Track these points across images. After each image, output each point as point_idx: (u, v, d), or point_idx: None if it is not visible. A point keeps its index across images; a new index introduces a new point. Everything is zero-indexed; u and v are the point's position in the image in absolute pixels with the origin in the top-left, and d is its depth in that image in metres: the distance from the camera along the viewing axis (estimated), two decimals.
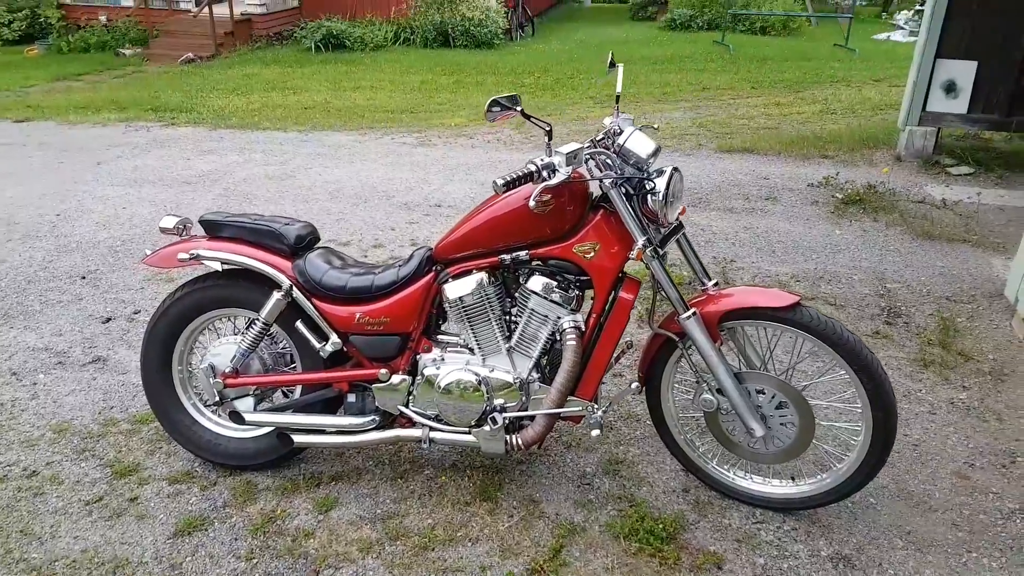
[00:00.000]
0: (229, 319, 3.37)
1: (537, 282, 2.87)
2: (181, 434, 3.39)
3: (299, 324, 3.07)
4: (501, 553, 2.90)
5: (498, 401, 2.97)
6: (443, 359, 3.04)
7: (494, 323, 2.95)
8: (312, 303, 3.05)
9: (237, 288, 3.15)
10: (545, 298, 2.86)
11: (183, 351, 3.33)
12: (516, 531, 3.01)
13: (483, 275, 2.91)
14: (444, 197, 7.19)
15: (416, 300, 3.00)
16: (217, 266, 3.10)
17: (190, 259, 3.04)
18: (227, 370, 3.16)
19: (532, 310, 2.90)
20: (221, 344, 3.23)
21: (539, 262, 2.91)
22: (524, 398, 2.99)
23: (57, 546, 2.98)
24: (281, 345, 3.32)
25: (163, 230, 3.19)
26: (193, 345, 3.37)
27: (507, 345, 2.98)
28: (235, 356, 3.13)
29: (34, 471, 3.43)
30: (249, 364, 3.20)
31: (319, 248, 3.20)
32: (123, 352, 4.49)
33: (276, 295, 3.02)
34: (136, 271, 5.61)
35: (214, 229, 3.19)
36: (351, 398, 3.17)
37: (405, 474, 3.36)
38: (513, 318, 2.99)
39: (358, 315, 3.01)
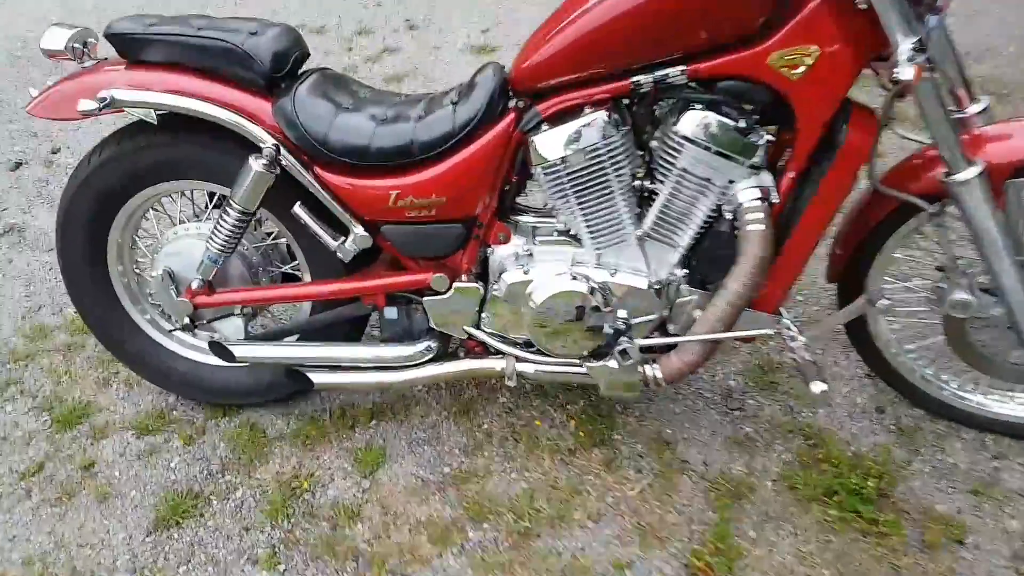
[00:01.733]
0: (183, 194, 2.16)
1: (694, 121, 1.67)
2: (145, 366, 2.32)
3: (298, 210, 1.88)
4: (640, 538, 1.95)
5: (624, 318, 1.87)
6: (531, 255, 1.89)
7: (618, 196, 1.78)
8: (315, 174, 1.85)
9: (188, 148, 1.92)
10: (708, 148, 1.67)
11: (121, 245, 2.16)
12: (652, 497, 2.05)
13: (601, 114, 1.69)
14: None
15: (487, 162, 1.80)
16: (149, 116, 1.85)
17: (100, 108, 1.78)
18: (195, 284, 2.01)
19: (683, 171, 1.71)
20: (178, 236, 2.06)
21: (699, 86, 1.68)
22: (663, 312, 1.89)
23: None
24: (272, 232, 2.15)
25: (49, 54, 1.89)
26: (135, 235, 2.20)
27: (638, 231, 1.83)
28: (203, 262, 1.97)
29: None
30: (226, 270, 2.05)
31: (311, 74, 1.92)
32: (45, 216, 3.29)
33: (254, 166, 1.80)
34: None
35: (133, 49, 1.89)
36: (390, 313, 2.06)
37: (473, 404, 2.34)
38: (647, 186, 1.81)
39: (393, 194, 1.82)
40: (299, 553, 1.99)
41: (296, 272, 2.16)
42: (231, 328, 2.12)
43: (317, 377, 2.08)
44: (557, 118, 1.74)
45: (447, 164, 1.79)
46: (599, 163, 1.73)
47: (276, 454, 2.24)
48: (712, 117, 1.67)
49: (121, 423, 2.37)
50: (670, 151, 1.72)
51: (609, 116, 1.70)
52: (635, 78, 1.68)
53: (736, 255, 1.77)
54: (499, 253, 1.94)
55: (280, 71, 1.84)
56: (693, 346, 1.88)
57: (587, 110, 1.71)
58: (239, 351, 2.06)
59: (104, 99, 1.77)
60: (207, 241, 1.92)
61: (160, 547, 2.02)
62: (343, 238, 1.91)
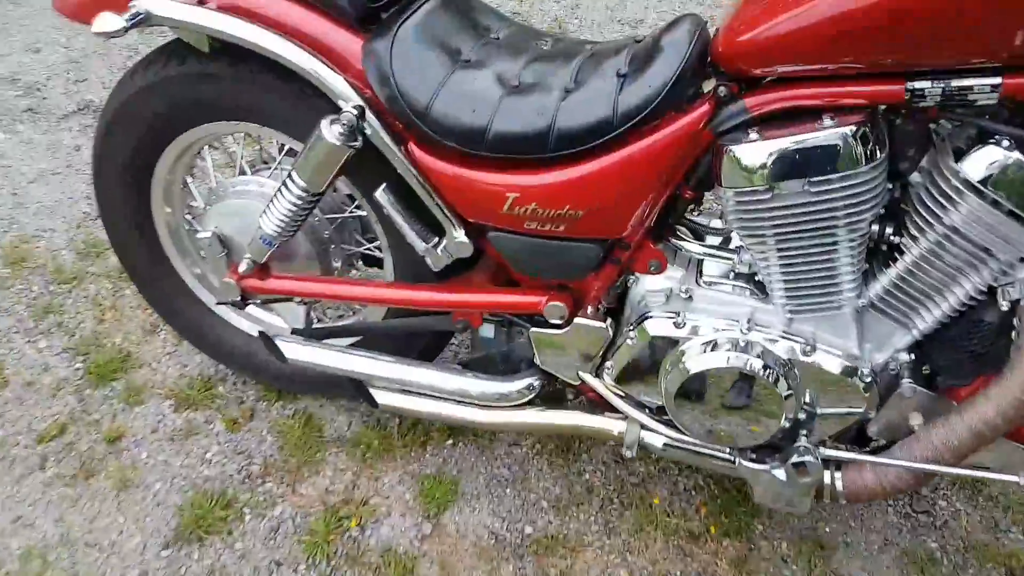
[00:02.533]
0: (249, 135, 1.68)
1: (989, 162, 1.06)
2: (191, 330, 1.92)
3: (382, 196, 1.37)
4: None
5: (810, 412, 1.32)
6: (690, 298, 1.34)
7: (844, 250, 1.20)
8: (408, 153, 1.32)
9: (248, 87, 1.43)
10: (1001, 205, 1.06)
11: (170, 183, 1.72)
12: None
13: (849, 130, 1.10)
14: None
15: (654, 169, 1.23)
16: (199, 42, 1.36)
17: (129, 24, 1.28)
18: (243, 265, 1.55)
19: (953, 230, 1.11)
20: (236, 191, 1.60)
21: (1011, 112, 1.06)
22: (868, 412, 1.32)
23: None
24: (354, 199, 1.65)
25: None
26: (187, 175, 1.75)
27: (860, 299, 1.24)
28: (254, 240, 1.50)
29: None
30: (291, 246, 1.57)
31: (427, 3, 1.36)
32: None
33: (326, 134, 1.29)
34: None
35: None
36: (486, 331, 1.57)
37: (575, 443, 1.85)
38: (888, 236, 1.21)
39: (511, 197, 1.28)
40: None
41: (378, 254, 1.67)
42: (289, 314, 1.67)
43: (383, 398, 1.62)
44: (773, 120, 1.15)
45: (594, 166, 1.23)
46: (830, 202, 1.14)
47: (329, 464, 1.84)
48: (1019, 161, 1.04)
49: (161, 387, 2.00)
50: (939, 197, 1.11)
51: (862, 133, 1.10)
52: (914, 84, 1.06)
53: (1000, 362, 1.18)
54: (644, 286, 1.39)
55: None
56: (900, 468, 1.31)
57: (827, 119, 1.11)
58: (291, 351, 1.61)
59: (137, 13, 1.27)
60: (261, 216, 1.44)
61: (175, 566, 1.67)
62: (436, 240, 1.40)
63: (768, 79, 1.15)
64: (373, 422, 1.90)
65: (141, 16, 1.27)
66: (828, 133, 1.11)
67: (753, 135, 1.14)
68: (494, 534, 1.70)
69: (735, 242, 1.39)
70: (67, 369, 2.05)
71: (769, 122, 1.16)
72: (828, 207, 1.15)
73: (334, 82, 1.28)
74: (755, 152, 1.14)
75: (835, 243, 1.19)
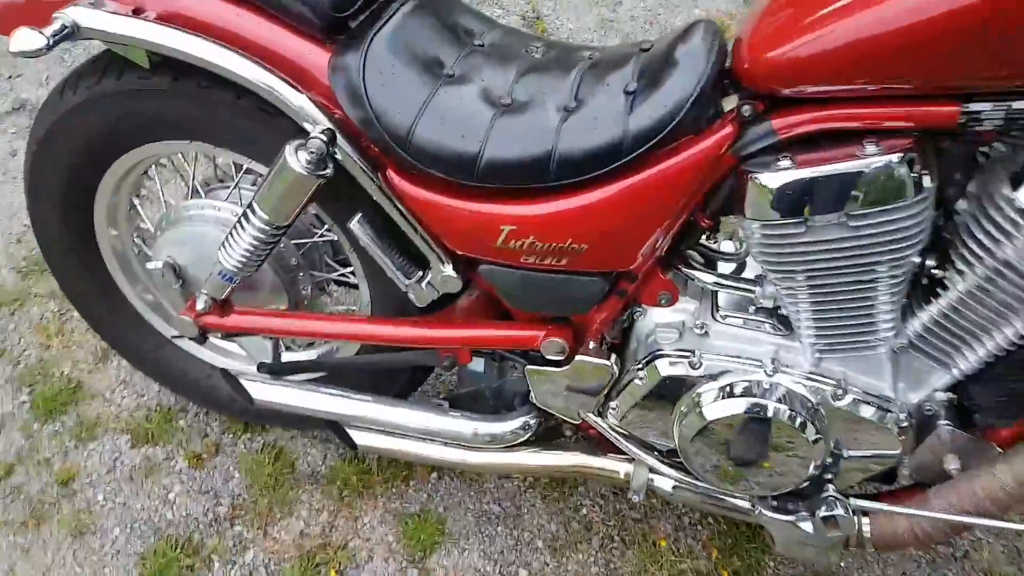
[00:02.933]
0: (197, 155, 1.49)
1: None
2: (145, 361, 1.75)
3: (357, 227, 1.20)
4: None
5: (838, 456, 1.20)
6: (706, 334, 1.20)
7: (884, 289, 1.07)
8: (388, 181, 1.15)
9: (198, 105, 1.24)
10: None
11: (114, 207, 1.54)
12: None
13: (894, 158, 0.95)
14: None
15: (667, 199, 1.08)
16: (138, 57, 1.17)
17: (54, 40, 1.09)
18: (200, 302, 1.37)
19: (1006, 265, 0.99)
20: (188, 216, 1.42)
21: None
22: (900, 456, 1.20)
23: None
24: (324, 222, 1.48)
25: None
26: (134, 196, 1.56)
27: (898, 339, 1.12)
28: (211, 276, 1.32)
29: None
30: (255, 276, 1.39)
31: (401, 4, 1.19)
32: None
33: (292, 162, 1.11)
34: None
35: None
36: (476, 366, 1.42)
37: (564, 478, 1.72)
38: (930, 270, 1.08)
39: (505, 230, 1.12)
40: None
41: (352, 280, 1.51)
42: (254, 347, 1.51)
43: (363, 439, 1.47)
44: (804, 143, 1.01)
45: (601, 195, 1.08)
46: (871, 237, 1.01)
47: (303, 503, 1.69)
48: None
49: (116, 420, 1.83)
50: (991, 228, 0.98)
51: (909, 161, 0.96)
52: (970, 106, 0.92)
53: None
54: (653, 320, 1.25)
55: (346, 6, 1.12)
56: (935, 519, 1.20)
57: (869, 145, 0.97)
58: (258, 391, 1.45)
59: (64, 27, 1.08)
60: (219, 249, 1.27)
61: None
62: (420, 274, 1.24)
63: (796, 97, 1.00)
64: (350, 456, 1.75)
65: (68, 30, 1.08)
66: (871, 161, 0.97)
67: (784, 161, 1.00)
68: None
69: (752, 268, 1.26)
70: (11, 403, 1.86)
71: (799, 145, 1.02)
72: (869, 242, 1.01)
73: (298, 102, 1.10)
74: (786, 181, 1.00)
75: (874, 280, 1.05)
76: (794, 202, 1.01)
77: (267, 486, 1.70)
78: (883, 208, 0.99)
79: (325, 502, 1.69)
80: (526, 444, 1.42)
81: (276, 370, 1.49)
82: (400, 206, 1.17)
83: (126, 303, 1.65)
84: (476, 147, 1.06)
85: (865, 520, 1.26)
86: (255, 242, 1.22)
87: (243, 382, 1.45)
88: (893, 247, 1.02)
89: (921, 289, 1.11)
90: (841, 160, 0.98)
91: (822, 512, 1.20)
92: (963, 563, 1.56)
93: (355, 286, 1.53)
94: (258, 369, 1.49)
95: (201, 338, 1.44)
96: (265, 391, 1.45)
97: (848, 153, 0.98)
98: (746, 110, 1.02)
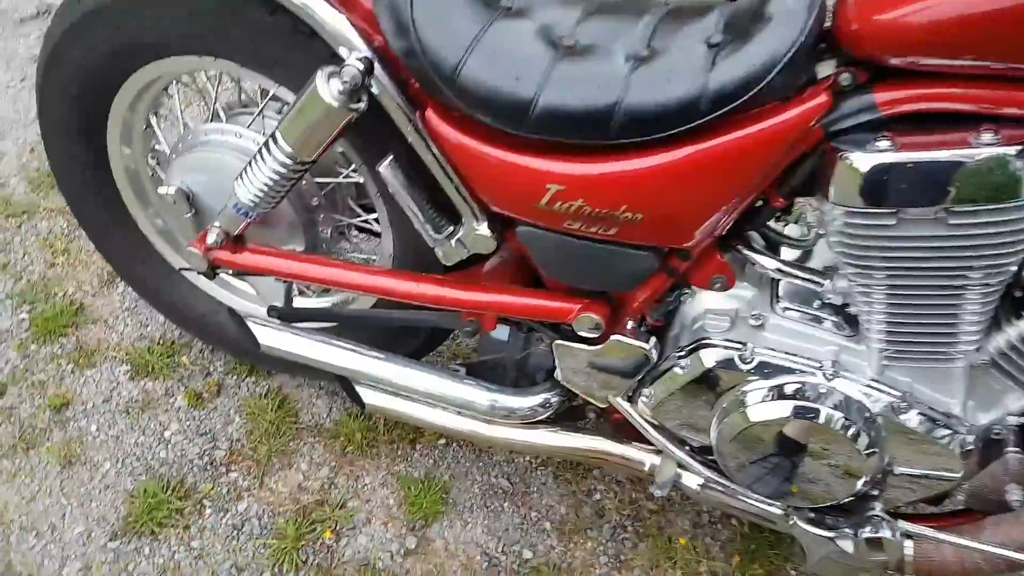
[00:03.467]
0: (221, 75, 1.37)
1: None
2: (151, 292, 1.65)
3: (387, 171, 1.08)
4: None
5: (894, 472, 1.09)
6: (762, 325, 1.08)
7: (972, 299, 0.94)
8: (426, 122, 1.03)
9: (223, 20, 1.12)
10: None
11: (129, 124, 1.43)
12: None
13: (1011, 150, 0.83)
14: None
15: (744, 169, 0.95)
16: None
17: None
18: (211, 236, 1.25)
19: None
20: (206, 141, 1.31)
21: None
22: (960, 480, 1.09)
23: None
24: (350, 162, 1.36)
25: None
26: (151, 115, 1.45)
27: (979, 356, 1.00)
28: (226, 208, 1.21)
29: None
30: (272, 212, 1.28)
31: None
32: None
33: (323, 90, 0.99)
34: None
35: None
36: (499, 333, 1.31)
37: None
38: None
39: (552, 189, 1.00)
40: None
41: (375, 227, 1.40)
42: (266, 288, 1.41)
43: (372, 398, 1.37)
44: (904, 124, 0.88)
45: (668, 160, 0.95)
46: (971, 239, 0.88)
47: (304, 456, 1.60)
48: None
49: (116, 349, 1.75)
50: None
51: None
52: None
53: None
54: (703, 305, 1.13)
55: None
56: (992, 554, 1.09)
57: (986, 133, 0.83)
58: (266, 336, 1.35)
59: None
60: (236, 181, 1.16)
61: (123, 562, 1.46)
62: (451, 229, 1.13)
63: (905, 68, 0.86)
64: (356, 411, 1.66)
65: None
66: (984, 152, 0.83)
67: (883, 141, 0.87)
68: (488, 556, 1.48)
69: (819, 258, 1.13)
70: (10, 319, 1.79)
71: (900, 124, 0.88)
72: (967, 244, 0.89)
73: (335, 23, 0.98)
74: (882, 163, 0.87)
75: (965, 287, 0.93)
76: (888, 189, 0.88)
77: (268, 433, 1.62)
78: (990, 207, 0.86)
79: (327, 457, 1.60)
80: (545, 422, 1.32)
81: (286, 315, 1.39)
82: (436, 151, 1.04)
83: (135, 228, 1.56)
84: (531, 92, 0.93)
85: (908, 543, 1.15)
86: (275, 176, 1.10)
87: (250, 325, 1.35)
88: (993, 252, 0.89)
89: (1012, 302, 0.99)
90: (950, 147, 0.85)
91: (866, 532, 1.10)
92: None
93: (378, 235, 1.42)
94: (267, 312, 1.39)
95: (210, 273, 1.34)
96: (273, 336, 1.35)
97: (959, 139, 0.85)
98: (845, 79, 0.89)
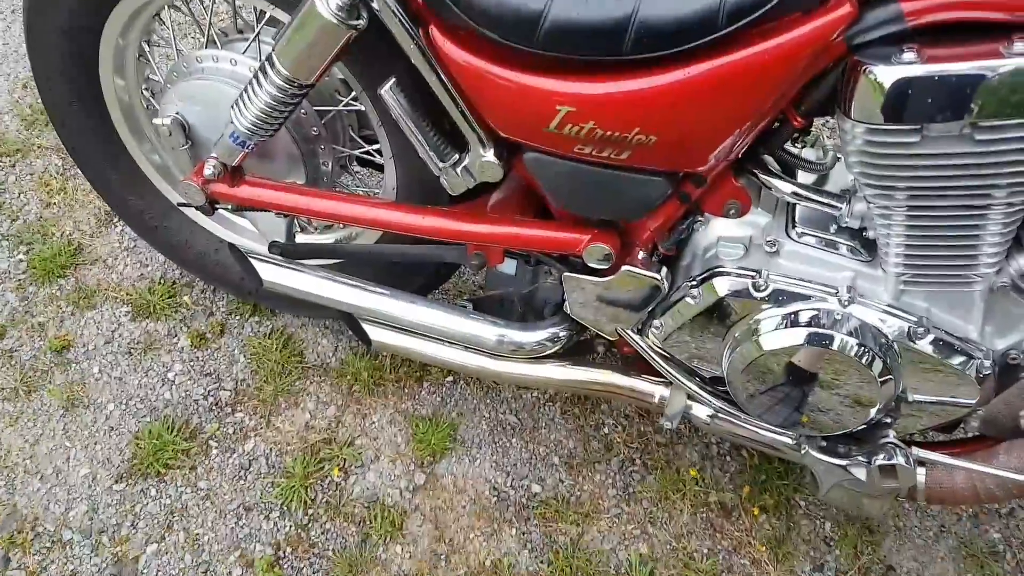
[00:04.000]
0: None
1: None
2: (147, 228, 1.62)
3: (389, 94, 1.04)
4: None
5: (908, 400, 1.08)
6: (776, 252, 1.06)
7: (995, 219, 0.92)
8: (431, 41, 0.99)
9: None
10: None
11: (122, 50, 1.38)
12: None
13: None
14: None
15: (762, 85, 0.91)
16: None
17: None
18: (208, 167, 1.22)
19: None
20: (201, 69, 1.27)
21: None
22: (976, 407, 1.08)
23: None
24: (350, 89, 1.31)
25: None
26: (144, 42, 1.40)
27: (999, 278, 0.98)
28: (222, 137, 1.18)
29: None
30: (271, 143, 1.24)
31: None
32: None
33: (320, 6, 0.95)
34: None
35: None
36: (507, 268, 1.29)
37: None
38: None
39: (562, 111, 0.96)
40: (310, 567, 1.39)
41: (377, 159, 1.36)
42: (267, 225, 1.38)
43: (378, 335, 1.35)
44: (929, 36, 0.84)
45: (683, 77, 0.91)
46: (997, 155, 0.85)
47: (311, 395, 1.59)
48: None
49: (116, 289, 1.72)
50: None
51: None
52: None
53: None
54: (716, 232, 1.11)
55: None
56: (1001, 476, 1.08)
57: (1018, 42, 0.79)
58: (268, 273, 1.33)
59: None
60: (232, 108, 1.12)
61: (129, 504, 1.45)
62: (456, 157, 1.09)
63: None
64: (362, 349, 1.64)
65: None
66: (1016, 63, 0.80)
67: (908, 53, 0.83)
68: (496, 490, 1.48)
69: (835, 181, 1.10)
70: (7, 260, 1.75)
71: (925, 36, 0.84)
72: (992, 161, 0.85)
73: None
74: (907, 76, 0.83)
75: (988, 206, 0.90)
76: (912, 104, 0.84)
77: (273, 373, 1.61)
78: (1019, 122, 0.82)
79: (333, 396, 1.59)
80: (553, 357, 1.30)
81: (289, 252, 1.37)
82: (441, 73, 1.00)
83: (131, 163, 1.52)
84: (540, 4, 0.89)
85: (920, 470, 1.15)
86: (272, 101, 1.06)
87: (253, 261, 1.32)
88: (1019, 169, 0.86)
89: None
90: (979, 58, 0.81)
91: (879, 460, 1.09)
92: (1007, 520, 1.46)
93: (380, 167, 1.39)
94: (269, 249, 1.36)
95: (209, 208, 1.31)
96: (276, 273, 1.33)
97: (989, 51, 0.81)
98: None
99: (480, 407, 1.58)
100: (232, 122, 1.12)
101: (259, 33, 1.24)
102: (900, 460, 1.08)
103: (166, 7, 1.32)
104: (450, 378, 1.62)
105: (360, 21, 0.97)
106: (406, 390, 1.60)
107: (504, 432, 1.55)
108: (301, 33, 0.98)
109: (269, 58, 1.04)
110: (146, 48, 1.39)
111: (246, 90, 1.09)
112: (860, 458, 1.13)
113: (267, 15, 1.21)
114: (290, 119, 1.17)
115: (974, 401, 1.06)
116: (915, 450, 1.11)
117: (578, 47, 0.91)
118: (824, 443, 1.17)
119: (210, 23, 1.29)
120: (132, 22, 1.31)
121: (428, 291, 1.50)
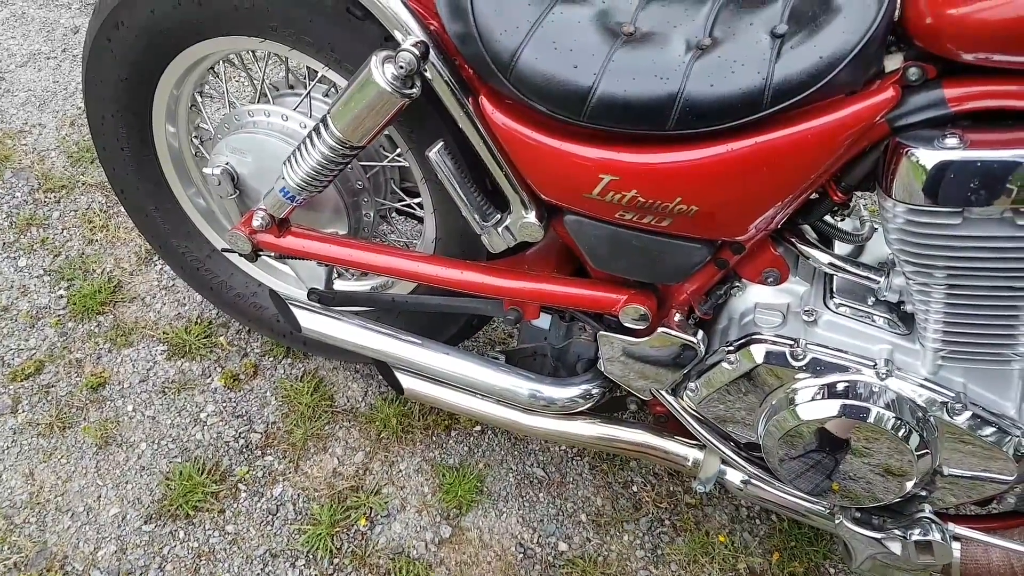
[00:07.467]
0: (270, 56, 1.37)
1: None
2: (187, 269, 1.65)
3: (436, 157, 1.07)
4: None
5: (944, 474, 1.07)
6: (815, 321, 1.07)
7: None
8: (480, 109, 1.02)
9: (267, 2, 1.12)
10: None
11: (176, 100, 1.43)
12: None
13: None
14: None
15: (805, 162, 0.93)
16: None
17: None
18: (256, 218, 1.25)
19: None
20: (251, 123, 1.31)
21: None
22: (1014, 484, 1.07)
23: None
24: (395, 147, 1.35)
25: None
26: (196, 94, 1.45)
27: None
28: (272, 191, 1.21)
29: None
30: (317, 197, 1.27)
31: None
32: None
33: (377, 75, 0.98)
34: None
35: None
36: (541, 323, 1.31)
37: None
38: None
39: (605, 179, 0.98)
40: None
41: (418, 212, 1.39)
42: (306, 271, 1.40)
43: (411, 384, 1.37)
44: (971, 121, 0.85)
45: (726, 152, 0.93)
46: None
47: (339, 440, 1.60)
48: None
49: (153, 328, 1.75)
50: None
51: None
52: None
53: None
54: (754, 299, 1.12)
55: None
56: None
57: None
58: (307, 320, 1.35)
59: None
60: (284, 165, 1.15)
61: (158, 546, 1.46)
62: (497, 216, 1.12)
63: (975, 64, 0.84)
64: (392, 395, 1.66)
65: None
66: None
67: (951, 139, 0.85)
68: (523, 547, 1.48)
69: (871, 254, 1.11)
70: (48, 295, 1.79)
71: (967, 121, 0.86)
72: None
73: (391, 6, 0.97)
74: (949, 161, 0.85)
75: None
76: (954, 187, 0.85)
77: (304, 416, 1.62)
78: None
79: (362, 441, 1.60)
80: (584, 413, 1.31)
81: (327, 299, 1.39)
82: (488, 139, 1.03)
83: (176, 206, 1.56)
84: (589, 81, 0.91)
85: (955, 545, 1.14)
86: (324, 160, 1.10)
87: (292, 308, 1.35)
88: None
89: None
90: (1021, 145, 0.83)
91: (916, 535, 1.08)
92: None
93: (420, 219, 1.42)
94: (308, 296, 1.39)
95: (252, 256, 1.34)
96: (314, 320, 1.35)
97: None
98: (913, 73, 0.87)
99: (507, 458, 1.59)
100: (283, 177, 1.15)
101: (310, 91, 1.28)
102: (936, 536, 1.07)
103: (221, 61, 1.37)
104: (478, 428, 1.62)
105: (414, 90, 1.00)
106: (434, 438, 1.61)
107: (531, 485, 1.55)
108: (357, 98, 1.01)
109: (324, 120, 1.07)
110: (198, 98, 1.44)
111: (299, 148, 1.12)
112: (896, 532, 1.12)
113: (319, 75, 1.25)
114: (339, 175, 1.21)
115: (1012, 478, 1.05)
116: (951, 525, 1.10)
117: (624, 122, 0.93)
118: (859, 514, 1.16)
119: (264, 78, 1.33)
120: (188, 74, 1.36)
121: (459, 341, 1.52)
